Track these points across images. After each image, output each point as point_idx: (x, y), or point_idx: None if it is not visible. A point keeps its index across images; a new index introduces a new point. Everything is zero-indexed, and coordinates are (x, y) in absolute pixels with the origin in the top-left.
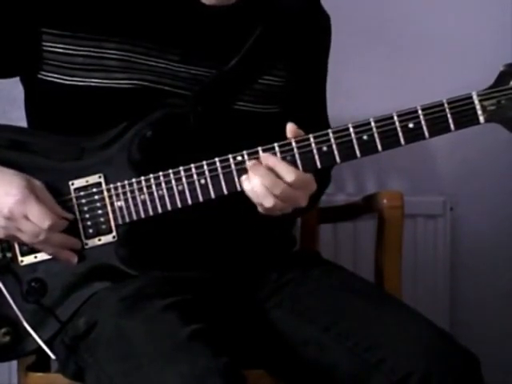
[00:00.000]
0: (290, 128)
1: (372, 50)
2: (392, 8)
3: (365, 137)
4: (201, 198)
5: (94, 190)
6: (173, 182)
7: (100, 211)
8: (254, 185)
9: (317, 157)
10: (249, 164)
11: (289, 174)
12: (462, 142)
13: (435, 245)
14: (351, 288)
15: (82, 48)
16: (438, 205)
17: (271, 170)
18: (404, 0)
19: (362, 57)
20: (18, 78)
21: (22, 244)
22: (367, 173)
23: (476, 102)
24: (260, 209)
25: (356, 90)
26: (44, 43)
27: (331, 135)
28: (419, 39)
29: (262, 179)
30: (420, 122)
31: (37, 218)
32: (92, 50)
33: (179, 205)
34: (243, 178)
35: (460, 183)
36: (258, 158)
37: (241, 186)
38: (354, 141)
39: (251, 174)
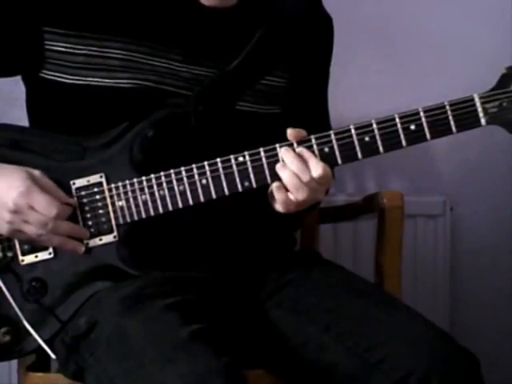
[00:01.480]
0: (291, 131)
1: (372, 51)
2: (392, 8)
3: (366, 138)
4: (202, 199)
5: (96, 189)
6: (174, 182)
7: (101, 211)
8: (285, 174)
9: (318, 158)
10: (282, 152)
11: (317, 167)
12: (462, 142)
13: (435, 245)
14: (351, 288)
15: (84, 47)
16: (438, 205)
17: (303, 160)
18: (404, 0)
19: (363, 57)
20: (18, 78)
21: (23, 243)
22: (367, 173)
23: (478, 104)
24: (282, 204)
25: (356, 90)
26: (46, 42)
27: (333, 136)
28: (419, 39)
29: (292, 165)
30: (422, 123)
31: (43, 207)
32: (95, 49)
33: (180, 205)
34: (279, 165)
35: (460, 183)
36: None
37: (276, 174)
38: (356, 142)
39: (282, 164)
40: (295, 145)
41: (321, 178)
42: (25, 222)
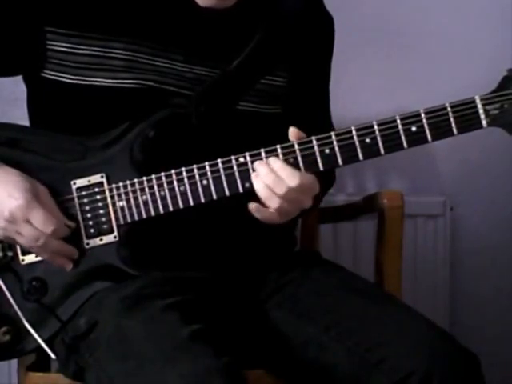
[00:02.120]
0: (292, 131)
1: (372, 51)
2: (393, 8)
3: (367, 140)
4: (203, 199)
5: (96, 189)
6: (175, 182)
7: (102, 211)
8: (258, 185)
9: (319, 159)
10: (255, 163)
11: (292, 178)
12: (463, 142)
13: (435, 245)
14: (351, 288)
15: (87, 47)
16: (438, 205)
17: (275, 173)
18: (405, 0)
19: (363, 57)
20: (19, 78)
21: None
22: (367, 173)
23: (479, 106)
24: (265, 220)
25: (357, 90)
26: (48, 42)
27: (334, 138)
28: (420, 39)
29: (265, 178)
30: (423, 125)
31: (40, 223)
32: (98, 49)
33: (181, 205)
34: (253, 175)
35: (460, 183)
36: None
37: (251, 185)
38: (357, 144)
39: (255, 174)
40: (263, 154)
41: (299, 186)
42: (17, 233)
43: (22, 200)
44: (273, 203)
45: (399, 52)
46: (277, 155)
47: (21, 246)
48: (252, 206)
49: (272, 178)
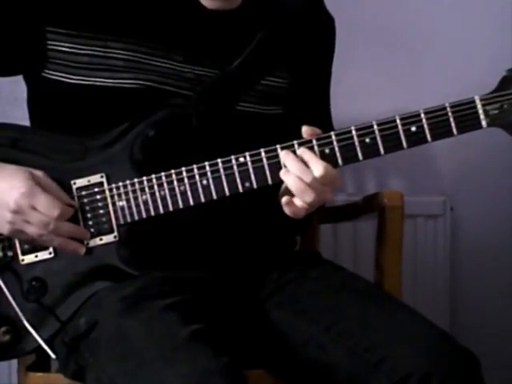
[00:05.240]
0: (306, 130)
1: (373, 51)
2: (393, 8)
3: (367, 140)
4: (202, 199)
5: (96, 189)
6: (175, 182)
7: (101, 211)
8: (289, 179)
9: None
10: (282, 156)
11: (317, 166)
12: (463, 142)
13: (435, 245)
14: (351, 288)
15: (87, 47)
16: (438, 205)
17: (304, 162)
18: (405, 0)
19: (363, 57)
20: (19, 77)
21: (23, 243)
22: (367, 173)
23: (479, 106)
24: (291, 207)
25: (356, 90)
26: (49, 42)
27: (333, 137)
28: (420, 39)
29: (293, 167)
30: (422, 125)
31: (45, 208)
32: (98, 49)
33: (181, 205)
34: (282, 172)
35: (460, 183)
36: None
37: (277, 175)
38: (357, 143)
39: (285, 170)
40: (296, 146)
41: (322, 177)
42: (26, 222)
43: (25, 188)
44: (307, 197)
45: (399, 52)
46: (276, 155)
47: (25, 243)
48: (283, 200)
49: (299, 167)
